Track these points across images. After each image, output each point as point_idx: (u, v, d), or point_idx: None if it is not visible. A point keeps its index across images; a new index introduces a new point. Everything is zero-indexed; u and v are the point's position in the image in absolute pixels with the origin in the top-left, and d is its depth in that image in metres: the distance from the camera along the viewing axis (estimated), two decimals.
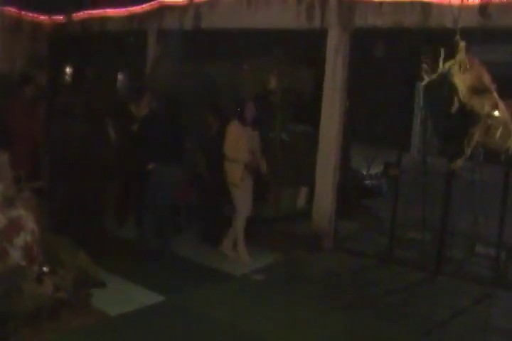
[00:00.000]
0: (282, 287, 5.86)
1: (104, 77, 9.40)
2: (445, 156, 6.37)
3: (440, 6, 6.11)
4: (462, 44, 4.96)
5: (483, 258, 6.56)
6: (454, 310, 5.48)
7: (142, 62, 8.75)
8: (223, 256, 6.57)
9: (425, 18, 6.20)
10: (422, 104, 8.26)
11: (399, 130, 7.52)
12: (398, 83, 7.96)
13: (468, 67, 4.96)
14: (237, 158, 6.39)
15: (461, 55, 4.93)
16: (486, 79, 5.00)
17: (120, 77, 10.21)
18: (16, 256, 4.53)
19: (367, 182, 8.92)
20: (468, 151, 5.19)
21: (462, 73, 4.98)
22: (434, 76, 4.99)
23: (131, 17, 8.75)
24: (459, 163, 5.34)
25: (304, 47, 8.23)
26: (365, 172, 8.93)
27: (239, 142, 6.41)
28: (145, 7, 8.62)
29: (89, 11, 9.23)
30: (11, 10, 9.46)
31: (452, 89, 5.05)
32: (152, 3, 8.54)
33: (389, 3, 6.43)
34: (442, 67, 4.91)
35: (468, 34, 6.32)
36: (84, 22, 9.32)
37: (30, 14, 9.65)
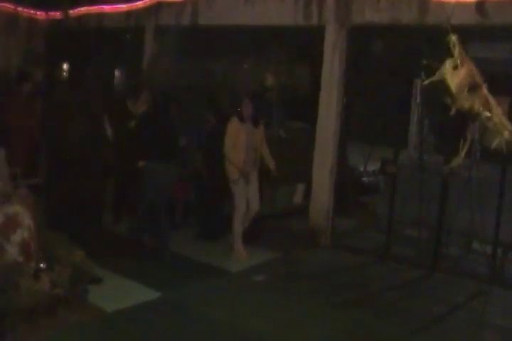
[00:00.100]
0: (279, 284, 5.86)
1: (101, 74, 9.38)
2: (442, 154, 6.40)
3: (437, 3, 6.12)
4: (454, 38, 4.97)
5: (480, 256, 6.57)
6: (450, 307, 5.50)
7: (139, 59, 8.73)
8: (220, 253, 6.57)
9: (422, 15, 6.20)
10: (419, 101, 8.28)
11: (396, 127, 7.54)
12: (396, 80, 7.97)
13: (459, 63, 4.97)
14: (234, 155, 6.39)
15: (458, 50, 4.93)
16: (477, 76, 5.01)
17: (117, 73, 10.20)
18: (12, 252, 4.54)
19: (364, 179, 8.95)
20: (462, 154, 5.22)
21: (453, 70, 4.99)
22: (436, 76, 5.02)
23: (129, 13, 8.73)
24: (455, 164, 5.37)
25: (302, 44, 8.24)
26: (362, 169, 8.95)
27: (238, 139, 6.41)
28: (142, 3, 8.60)
29: (86, 7, 9.20)
30: (7, 6, 9.43)
31: (445, 86, 5.07)
32: None
33: None
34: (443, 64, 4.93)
35: (466, 31, 6.35)
36: (81, 18, 9.29)
37: (27, 10, 9.63)
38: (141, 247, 6.32)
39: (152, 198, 6.25)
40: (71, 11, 9.36)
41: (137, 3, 8.67)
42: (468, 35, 6.89)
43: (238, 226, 6.51)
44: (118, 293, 5.22)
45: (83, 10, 9.25)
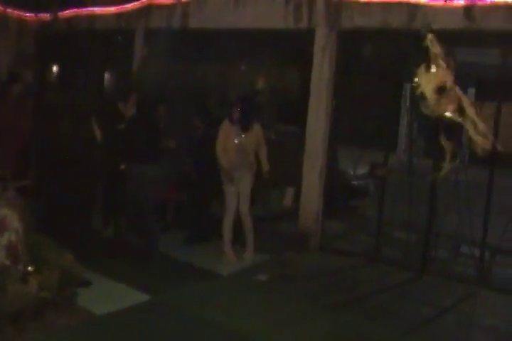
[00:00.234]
0: (270, 286, 5.86)
1: (91, 76, 9.35)
2: (431, 157, 6.43)
3: (426, 8, 6.17)
4: (430, 36, 5.00)
5: (468, 258, 6.62)
6: (439, 309, 5.53)
7: (129, 61, 8.71)
8: (211, 255, 6.57)
9: (412, 19, 6.24)
10: (408, 104, 8.32)
11: (386, 130, 7.57)
12: (385, 84, 8.01)
13: (434, 66, 5.01)
14: (224, 158, 6.39)
15: (433, 52, 4.97)
16: (449, 78, 5.04)
17: (107, 76, 10.17)
18: (0, 255, 4.50)
19: (353, 182, 8.97)
20: (447, 167, 5.26)
21: (427, 73, 5.03)
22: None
23: (119, 16, 8.71)
24: (441, 174, 5.41)
25: (292, 48, 8.26)
26: (351, 173, 8.97)
27: (228, 142, 6.41)
28: (132, 6, 8.58)
29: (76, 9, 9.17)
30: None
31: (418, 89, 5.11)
32: (140, 2, 8.50)
33: (376, 3, 6.47)
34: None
35: (454, 36, 6.40)
36: (70, 20, 9.26)
37: (16, 12, 9.58)
38: (129, 249, 6.29)
39: (136, 199, 6.23)
40: (61, 13, 9.32)
41: (127, 5, 8.65)
42: (456, 39, 6.96)
43: (227, 228, 6.50)
44: (107, 296, 5.20)
45: (73, 12, 9.21)
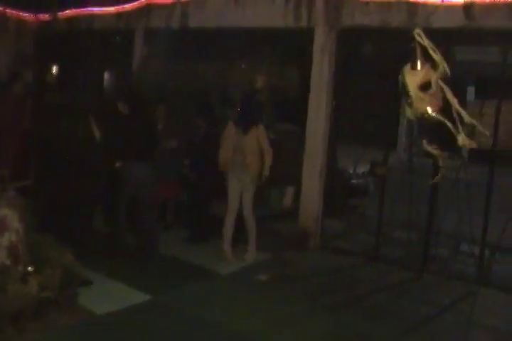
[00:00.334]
0: (269, 286, 5.87)
1: (90, 76, 9.36)
2: (431, 156, 6.43)
3: (425, 6, 6.16)
4: (417, 31, 5.00)
5: (468, 257, 6.62)
6: (439, 308, 5.53)
7: (129, 61, 8.71)
8: (211, 255, 6.57)
9: (411, 18, 6.24)
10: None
11: (385, 129, 7.57)
12: (385, 82, 8.00)
13: (420, 64, 5.01)
14: (220, 156, 6.44)
15: (419, 50, 4.97)
16: (433, 75, 5.03)
17: (107, 75, 10.17)
18: (0, 255, 4.51)
19: (353, 181, 8.98)
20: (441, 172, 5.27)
21: (412, 70, 5.03)
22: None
23: (119, 16, 8.71)
24: (436, 180, 5.42)
25: (291, 46, 8.25)
26: (351, 172, 8.98)
27: (227, 141, 6.44)
28: (132, 6, 8.57)
29: (76, 9, 9.17)
30: None
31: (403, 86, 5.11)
32: (139, 1, 8.50)
33: (375, 2, 6.46)
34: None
35: (454, 34, 6.40)
36: (70, 20, 9.25)
37: (15, 12, 9.58)
38: (129, 249, 6.29)
39: (131, 198, 6.22)
40: (60, 13, 9.32)
41: (127, 5, 8.64)
42: (456, 38, 6.96)
43: (227, 226, 6.51)
44: (108, 296, 5.21)
45: (72, 12, 9.21)
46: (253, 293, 5.65)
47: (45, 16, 9.58)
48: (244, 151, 6.37)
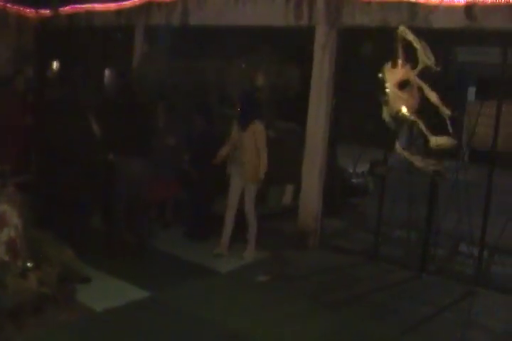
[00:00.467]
0: (269, 284, 5.86)
1: (90, 72, 9.34)
2: (430, 155, 6.43)
3: (426, 6, 6.16)
4: (402, 28, 5.02)
5: (467, 257, 6.63)
6: (438, 307, 5.54)
7: (129, 58, 8.70)
8: (210, 253, 6.56)
9: (412, 18, 6.24)
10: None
11: (385, 129, 7.55)
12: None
13: (401, 62, 5.02)
14: (218, 153, 6.51)
15: (400, 48, 4.98)
16: (411, 74, 5.04)
17: (107, 72, 10.15)
18: None
19: (353, 180, 8.97)
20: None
21: (393, 68, 5.05)
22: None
23: (119, 12, 8.70)
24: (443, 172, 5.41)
25: (292, 45, 8.25)
26: (351, 171, 8.98)
27: (229, 138, 6.50)
28: (133, 2, 8.57)
29: (77, 6, 9.15)
30: None
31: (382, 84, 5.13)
32: None
33: (376, 2, 6.46)
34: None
35: (455, 35, 6.39)
36: (71, 16, 9.24)
37: (16, 7, 9.56)
38: (125, 246, 6.28)
39: (122, 194, 6.22)
40: (61, 9, 9.31)
41: (127, 2, 8.63)
42: (457, 38, 6.96)
43: (226, 222, 6.54)
44: (107, 292, 5.20)
45: (73, 8, 9.20)
46: (252, 292, 5.65)
47: (45, 12, 9.57)
48: (242, 148, 6.39)
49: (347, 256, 6.88)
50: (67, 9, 9.30)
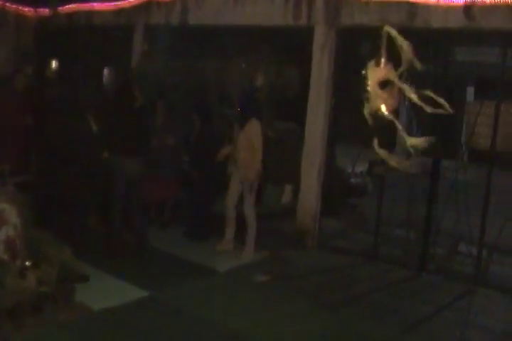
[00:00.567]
0: (267, 284, 5.86)
1: (90, 72, 9.33)
2: (429, 155, 6.44)
3: (425, 6, 6.16)
4: (386, 28, 5.04)
5: (466, 257, 6.63)
6: (437, 307, 5.54)
7: (129, 57, 8.69)
8: (209, 253, 6.56)
9: (411, 18, 6.24)
10: (407, 103, 8.31)
11: (384, 128, 7.55)
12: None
13: (383, 61, 5.05)
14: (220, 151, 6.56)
15: (384, 47, 5.01)
16: (392, 73, 5.08)
17: (106, 71, 10.14)
18: None
19: (352, 180, 8.97)
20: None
21: (376, 67, 5.08)
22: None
23: (119, 11, 8.69)
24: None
25: (291, 45, 8.25)
26: (350, 171, 8.97)
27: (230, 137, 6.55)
28: (132, 2, 8.56)
29: (76, 5, 9.14)
30: None
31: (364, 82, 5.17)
32: None
33: (375, 1, 6.46)
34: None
35: (457, 36, 6.39)
36: (70, 15, 9.23)
37: (15, 6, 9.54)
38: (125, 245, 6.27)
39: (121, 194, 6.22)
40: (60, 8, 9.29)
41: (127, 1, 8.62)
42: (456, 38, 6.96)
43: (228, 220, 6.58)
44: (106, 292, 5.19)
45: (73, 7, 9.19)
46: (252, 292, 5.64)
47: (45, 11, 9.55)
48: (237, 147, 6.40)
49: (346, 255, 6.88)
50: (66, 8, 9.28)
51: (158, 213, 7.50)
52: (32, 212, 5.10)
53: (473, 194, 6.43)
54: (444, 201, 6.43)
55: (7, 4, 9.40)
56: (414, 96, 5.02)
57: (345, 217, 8.03)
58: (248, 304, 5.33)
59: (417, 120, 7.91)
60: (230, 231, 6.63)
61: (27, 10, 9.65)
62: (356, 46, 8.65)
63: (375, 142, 5.26)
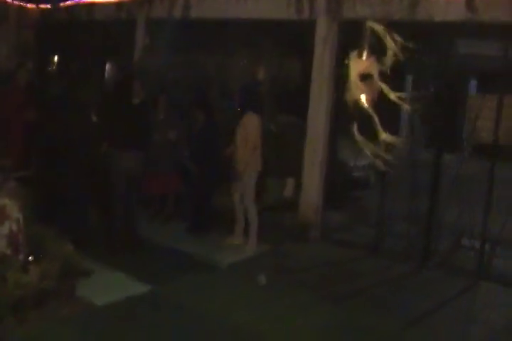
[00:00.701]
0: (269, 278, 5.86)
1: (91, 66, 9.33)
2: (432, 148, 6.43)
3: None
4: (370, 22, 5.06)
5: (469, 251, 6.62)
6: (439, 301, 5.53)
7: (130, 52, 8.68)
8: (211, 247, 6.57)
9: (413, 11, 6.21)
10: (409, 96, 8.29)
11: (387, 122, 7.53)
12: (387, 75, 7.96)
13: (366, 53, 5.08)
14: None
15: (367, 39, 5.04)
16: (374, 66, 5.11)
17: (108, 66, 10.14)
18: (0, 244, 4.51)
19: (354, 173, 8.96)
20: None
21: (358, 59, 5.11)
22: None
23: (120, 5, 8.68)
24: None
25: (293, 38, 8.22)
26: (352, 164, 8.95)
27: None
28: None
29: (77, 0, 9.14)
30: None
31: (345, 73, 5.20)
32: None
33: None
34: None
35: (459, 28, 6.36)
36: (71, 10, 9.22)
37: (17, 2, 9.54)
38: (125, 241, 6.28)
39: (121, 189, 6.23)
40: (61, 3, 9.28)
41: None
42: (458, 31, 6.92)
43: (237, 215, 6.60)
44: (108, 286, 5.20)
45: (74, 2, 9.17)
46: (253, 285, 5.65)
47: (46, 6, 9.54)
48: (235, 141, 6.40)
49: (348, 249, 6.88)
50: (67, 3, 9.27)
51: (160, 208, 7.51)
52: (34, 206, 5.11)
53: (476, 187, 6.41)
54: (446, 195, 6.41)
55: (9, 0, 9.39)
56: (392, 95, 5.07)
57: (348, 211, 8.03)
58: (251, 298, 5.34)
59: (419, 114, 7.89)
60: (239, 226, 6.62)
61: (29, 5, 9.65)
62: (358, 39, 8.62)
63: (355, 128, 5.32)
